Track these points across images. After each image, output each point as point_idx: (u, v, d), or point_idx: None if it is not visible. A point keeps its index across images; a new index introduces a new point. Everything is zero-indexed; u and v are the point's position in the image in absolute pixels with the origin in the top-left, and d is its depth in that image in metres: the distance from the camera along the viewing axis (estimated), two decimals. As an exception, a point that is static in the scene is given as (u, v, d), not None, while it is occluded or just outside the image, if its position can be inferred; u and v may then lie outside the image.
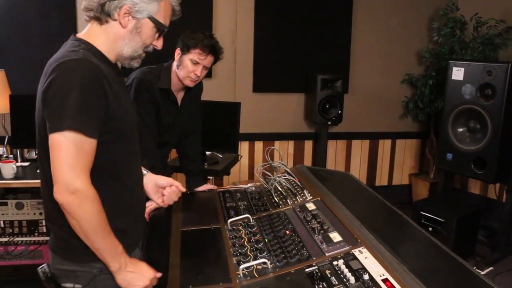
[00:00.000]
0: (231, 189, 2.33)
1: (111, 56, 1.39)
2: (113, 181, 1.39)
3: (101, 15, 1.33)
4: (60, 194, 1.21)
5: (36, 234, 2.97)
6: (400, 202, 4.73)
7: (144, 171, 1.73)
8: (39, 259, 3.01)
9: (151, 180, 1.76)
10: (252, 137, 4.34)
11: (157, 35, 1.43)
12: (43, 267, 1.44)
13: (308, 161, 4.63)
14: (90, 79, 1.24)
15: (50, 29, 3.69)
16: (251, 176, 4.52)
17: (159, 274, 1.46)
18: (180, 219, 1.97)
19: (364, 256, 1.46)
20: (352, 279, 1.33)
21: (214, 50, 2.20)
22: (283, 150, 4.50)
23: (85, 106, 1.22)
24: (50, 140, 1.22)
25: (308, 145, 4.60)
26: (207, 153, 3.42)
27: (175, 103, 2.31)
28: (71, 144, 1.20)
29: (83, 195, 1.22)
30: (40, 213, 2.94)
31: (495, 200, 4.11)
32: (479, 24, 3.93)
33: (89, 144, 1.24)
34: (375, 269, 1.37)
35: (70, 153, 1.20)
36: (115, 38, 1.36)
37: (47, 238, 2.98)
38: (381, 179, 4.92)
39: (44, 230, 2.97)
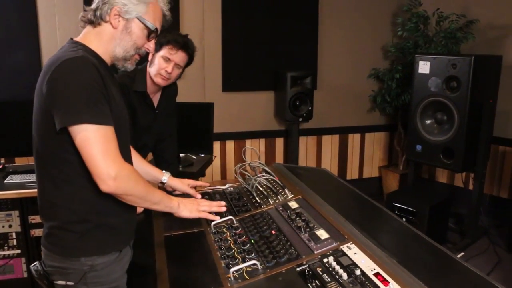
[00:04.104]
0: (209, 190, 2.31)
1: (106, 58, 1.48)
2: None
3: (94, 19, 1.45)
4: (107, 185, 1.32)
5: (6, 248, 2.84)
6: (371, 194, 4.75)
7: (165, 178, 1.92)
8: (9, 274, 2.89)
9: (168, 185, 1.95)
10: (223, 137, 4.32)
11: (147, 37, 1.50)
12: (35, 264, 1.51)
13: (279, 158, 4.64)
14: (94, 74, 1.33)
15: (9, 32, 3.54)
16: (223, 176, 4.49)
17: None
18: (162, 224, 1.94)
19: (353, 252, 1.47)
20: (344, 275, 1.34)
21: (185, 46, 2.18)
22: (255, 148, 4.50)
23: (95, 98, 1.32)
24: (74, 135, 1.31)
25: (279, 142, 4.62)
26: (181, 155, 3.37)
27: (152, 106, 2.26)
28: (96, 136, 1.31)
29: (124, 175, 1.35)
30: (10, 226, 2.82)
31: (462, 188, 4.25)
32: (441, 19, 4.05)
33: (110, 131, 1.35)
34: (366, 264, 1.39)
35: (97, 145, 1.31)
36: (107, 39, 1.46)
37: (18, 251, 2.86)
38: (352, 173, 5.00)
39: (15, 243, 2.84)
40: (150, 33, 1.50)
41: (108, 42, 1.46)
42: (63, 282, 1.45)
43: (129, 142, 1.59)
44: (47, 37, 3.65)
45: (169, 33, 2.16)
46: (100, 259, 1.45)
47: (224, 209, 1.69)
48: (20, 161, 3.60)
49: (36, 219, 2.81)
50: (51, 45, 3.66)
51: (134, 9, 1.44)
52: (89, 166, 1.32)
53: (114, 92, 1.46)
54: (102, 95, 1.35)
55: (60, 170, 1.39)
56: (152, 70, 2.19)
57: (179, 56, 2.19)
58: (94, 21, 1.44)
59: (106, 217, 1.45)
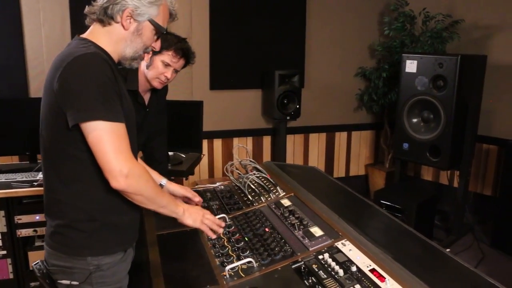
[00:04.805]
0: (200, 189, 2.30)
1: (114, 56, 1.46)
2: None
3: (104, 18, 1.41)
4: (118, 182, 1.30)
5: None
6: (358, 192, 4.84)
7: (163, 182, 1.86)
8: (-6, 275, 2.83)
9: (166, 189, 1.86)
10: (210, 135, 4.29)
11: (155, 37, 1.50)
12: (37, 263, 1.49)
13: (267, 156, 4.65)
14: (107, 71, 1.32)
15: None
16: (211, 175, 4.48)
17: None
18: (154, 223, 1.93)
19: (348, 248, 1.49)
20: (340, 272, 1.35)
21: (187, 54, 2.18)
22: (245, 146, 4.49)
23: (108, 95, 1.31)
24: (86, 132, 1.30)
25: (267, 141, 4.61)
26: (170, 153, 3.35)
27: (143, 104, 2.24)
28: (109, 133, 1.29)
29: (136, 174, 1.33)
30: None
31: (447, 185, 4.31)
32: (427, 18, 4.09)
33: (122, 128, 1.34)
34: (361, 260, 1.40)
35: (110, 142, 1.29)
36: (117, 40, 1.44)
37: (4, 252, 2.79)
38: (339, 171, 5.03)
39: (0, 244, 2.77)
40: (159, 34, 1.51)
41: (118, 42, 1.44)
42: (67, 282, 1.43)
43: (135, 140, 1.58)
44: (31, 33, 3.58)
45: (169, 34, 2.14)
46: (106, 258, 1.44)
47: (221, 230, 1.65)
48: (3, 160, 3.53)
49: (22, 219, 2.76)
50: (35, 41, 3.59)
51: (147, 11, 1.43)
52: (101, 162, 1.31)
53: (124, 89, 1.45)
54: (114, 92, 1.34)
55: (69, 168, 1.38)
56: (150, 73, 2.17)
57: (180, 63, 2.20)
58: (104, 20, 1.42)
59: (113, 216, 1.44)
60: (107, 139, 1.29)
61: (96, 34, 1.44)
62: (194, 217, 1.56)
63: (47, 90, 1.37)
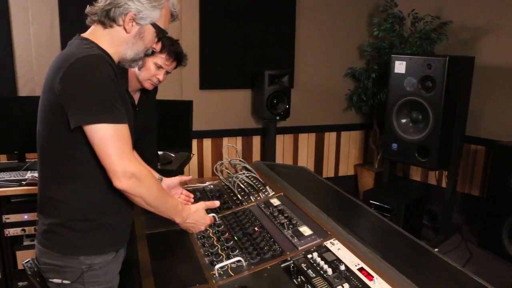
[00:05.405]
0: (189, 188, 2.30)
1: (115, 58, 1.46)
2: (109, 179, 1.38)
3: (106, 20, 1.41)
4: (120, 183, 1.32)
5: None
6: (347, 192, 4.86)
7: (158, 177, 1.86)
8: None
9: (164, 184, 1.88)
10: (200, 135, 4.29)
11: (156, 39, 1.51)
12: (28, 261, 1.48)
13: (256, 156, 4.65)
14: (111, 73, 1.33)
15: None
16: (200, 174, 4.47)
17: (212, 220, 1.68)
18: (144, 222, 1.93)
19: (337, 248, 1.50)
20: (329, 271, 1.36)
21: (179, 57, 2.19)
22: (235, 146, 4.49)
23: (112, 98, 1.32)
24: (91, 134, 1.31)
25: (256, 141, 4.62)
26: (159, 153, 3.34)
27: (133, 104, 2.24)
28: (113, 135, 1.30)
29: (139, 175, 1.34)
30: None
31: (435, 185, 4.35)
32: (416, 20, 4.14)
33: (125, 129, 1.35)
34: (350, 259, 1.42)
35: (114, 144, 1.31)
36: (119, 42, 1.44)
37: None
38: (328, 171, 5.05)
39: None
40: (160, 36, 1.51)
41: (120, 45, 1.44)
42: (58, 281, 1.43)
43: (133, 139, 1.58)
44: (20, 32, 3.55)
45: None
46: (99, 258, 1.43)
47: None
48: (-10, 159, 3.50)
49: (10, 218, 2.73)
50: (24, 40, 3.56)
51: (149, 15, 1.42)
52: (105, 164, 1.32)
53: (124, 91, 1.45)
54: (117, 93, 1.34)
55: (66, 167, 1.38)
56: (142, 74, 2.17)
57: (173, 66, 2.21)
58: (106, 23, 1.41)
59: (108, 216, 1.44)
60: (111, 141, 1.30)
61: (97, 35, 1.43)
62: (191, 229, 1.60)
63: (47, 89, 1.37)
